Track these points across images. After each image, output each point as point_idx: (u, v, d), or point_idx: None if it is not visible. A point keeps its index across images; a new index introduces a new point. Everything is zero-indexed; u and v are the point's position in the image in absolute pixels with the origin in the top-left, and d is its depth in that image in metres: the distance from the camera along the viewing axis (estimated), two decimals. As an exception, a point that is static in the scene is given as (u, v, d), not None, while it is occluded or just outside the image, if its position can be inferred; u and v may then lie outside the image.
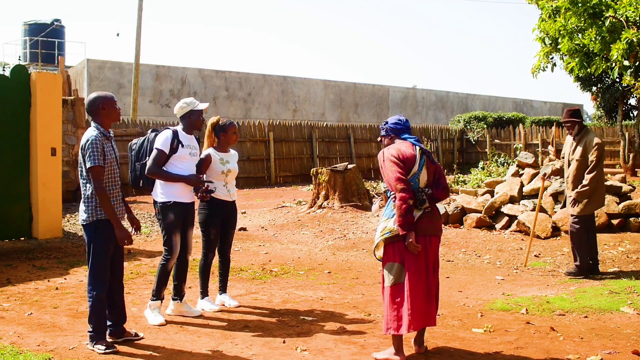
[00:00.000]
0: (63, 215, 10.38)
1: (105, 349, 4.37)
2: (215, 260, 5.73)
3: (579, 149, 6.90)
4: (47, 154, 9.04)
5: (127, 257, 7.43)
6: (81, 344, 4.52)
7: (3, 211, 8.77)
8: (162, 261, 5.21)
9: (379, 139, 4.66)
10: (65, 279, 6.85)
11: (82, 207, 4.47)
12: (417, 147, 4.30)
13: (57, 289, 6.33)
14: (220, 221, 5.56)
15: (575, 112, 7.02)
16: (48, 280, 6.72)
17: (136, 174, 5.32)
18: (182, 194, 5.17)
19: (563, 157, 7.28)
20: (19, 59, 26.24)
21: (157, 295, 5.21)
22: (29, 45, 26.43)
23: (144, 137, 5.45)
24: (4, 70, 18.49)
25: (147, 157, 5.19)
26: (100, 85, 22.37)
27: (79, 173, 4.53)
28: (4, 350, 4.34)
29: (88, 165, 4.35)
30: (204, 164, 5.47)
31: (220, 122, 5.61)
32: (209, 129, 5.62)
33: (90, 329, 4.45)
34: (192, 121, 5.28)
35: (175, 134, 5.19)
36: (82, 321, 5.13)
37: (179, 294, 5.36)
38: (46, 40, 26.37)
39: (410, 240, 4.11)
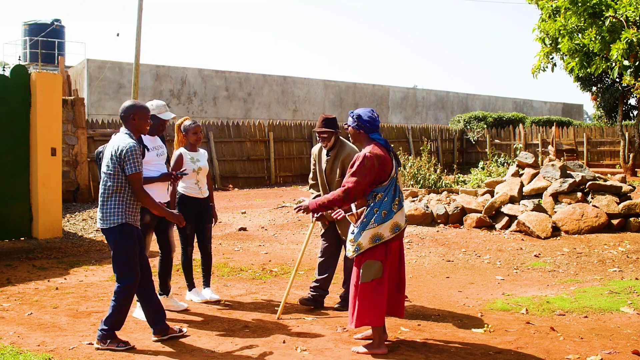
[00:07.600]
0: (63, 215, 10.39)
1: (125, 347, 4.38)
2: (198, 256, 6.01)
3: None
4: (47, 154, 9.04)
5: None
6: (81, 344, 4.52)
7: (3, 211, 8.78)
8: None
9: (345, 125, 4.66)
10: (65, 279, 6.85)
11: (104, 211, 4.38)
12: (390, 151, 4.44)
13: (57, 289, 6.34)
14: (195, 217, 5.80)
15: None
16: (48, 280, 6.72)
17: None
18: (158, 195, 5.18)
19: None
20: (19, 59, 26.21)
21: (164, 289, 5.61)
22: (29, 45, 26.42)
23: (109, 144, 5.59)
24: (4, 70, 18.50)
25: None
26: (101, 85, 22.37)
27: (111, 176, 4.40)
28: (4, 350, 4.34)
29: (130, 172, 4.36)
30: (176, 164, 5.68)
31: (183, 124, 5.85)
32: (176, 130, 5.88)
33: (107, 327, 4.40)
34: (153, 125, 5.35)
35: (139, 141, 5.15)
36: (82, 321, 5.14)
37: (165, 289, 5.59)
38: (46, 40, 26.33)
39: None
